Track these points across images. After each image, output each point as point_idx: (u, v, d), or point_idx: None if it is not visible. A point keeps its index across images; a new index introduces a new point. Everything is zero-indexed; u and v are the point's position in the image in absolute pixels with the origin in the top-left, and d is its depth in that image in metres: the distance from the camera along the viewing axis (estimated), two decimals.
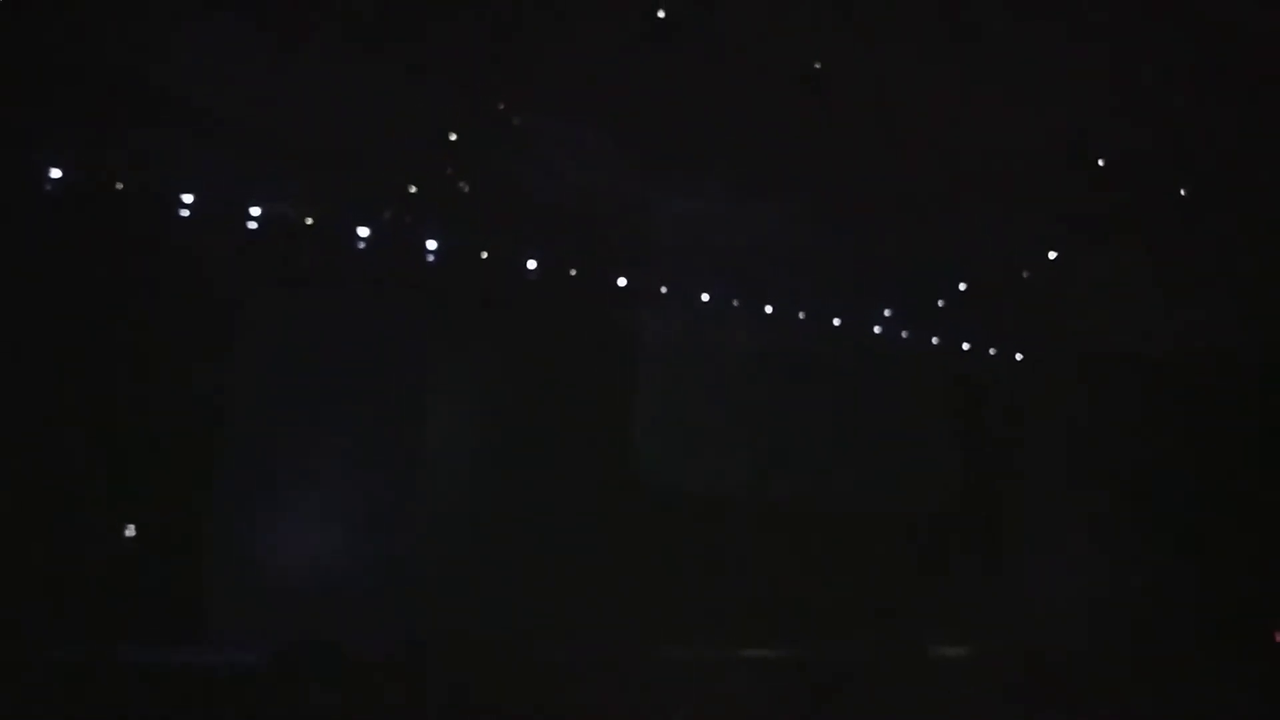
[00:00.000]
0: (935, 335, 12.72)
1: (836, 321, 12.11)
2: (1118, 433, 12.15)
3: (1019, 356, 13.21)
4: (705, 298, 11.38)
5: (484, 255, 10.44)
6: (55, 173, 8.64)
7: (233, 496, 9.35)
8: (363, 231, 9.86)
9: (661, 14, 8.13)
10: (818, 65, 8.83)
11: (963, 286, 11.93)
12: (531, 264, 10.58)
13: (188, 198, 9.18)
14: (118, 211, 8.96)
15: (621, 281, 10.98)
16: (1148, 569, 11.74)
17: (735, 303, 11.52)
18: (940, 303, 12.16)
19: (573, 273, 10.78)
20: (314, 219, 9.66)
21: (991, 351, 13.09)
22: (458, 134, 9.27)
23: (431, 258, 10.20)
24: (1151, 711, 9.24)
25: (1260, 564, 11.47)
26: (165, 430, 9.03)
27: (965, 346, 12.94)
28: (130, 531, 8.84)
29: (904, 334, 12.48)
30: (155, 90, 8.36)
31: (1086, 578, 11.67)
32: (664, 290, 11.20)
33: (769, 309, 11.72)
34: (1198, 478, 12.00)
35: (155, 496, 8.94)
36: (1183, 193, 10.35)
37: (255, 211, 9.43)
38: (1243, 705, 9.10)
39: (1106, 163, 10.11)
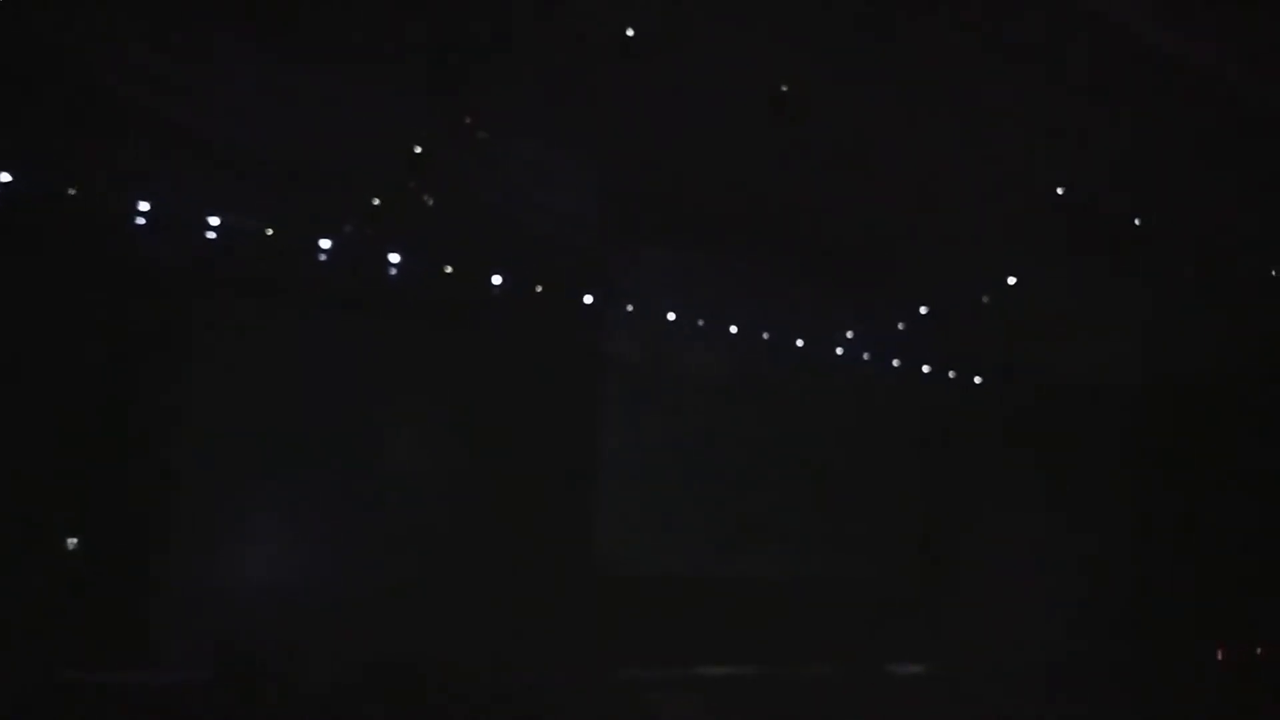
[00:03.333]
0: (896, 358, 12.82)
1: (799, 343, 12.16)
2: (1074, 455, 12.31)
3: (977, 380, 13.35)
4: (671, 316, 11.36)
5: (448, 270, 10.32)
6: (4, 177, 8.39)
7: (183, 511, 9.12)
8: (324, 243, 9.70)
9: (630, 32, 8.13)
10: (784, 88, 8.89)
11: (923, 310, 12.08)
12: (496, 280, 10.49)
13: (144, 205, 8.96)
14: (70, 219, 8.71)
15: (587, 299, 10.92)
16: (1100, 590, 11.90)
17: (700, 322, 11.52)
18: (901, 325, 12.28)
19: (538, 289, 10.71)
20: (274, 230, 9.48)
21: (951, 374, 13.22)
22: (423, 147, 9.20)
23: (394, 271, 10.07)
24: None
25: (1207, 585, 11.68)
26: (117, 442, 8.81)
27: (925, 369, 13.05)
28: (71, 544, 8.60)
29: (865, 356, 12.56)
30: (110, 96, 8.19)
31: (1039, 597, 11.78)
32: (629, 309, 11.16)
33: (734, 329, 11.74)
34: (1150, 500, 12.20)
35: (102, 509, 8.71)
36: (1137, 222, 10.56)
37: (214, 221, 9.23)
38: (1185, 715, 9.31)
39: (1065, 191, 10.29)
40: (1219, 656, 11.70)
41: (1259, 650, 11.77)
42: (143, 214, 8.97)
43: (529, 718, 8.41)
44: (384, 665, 8.45)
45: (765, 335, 11.97)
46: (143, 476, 8.92)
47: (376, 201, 9.56)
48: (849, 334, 12.43)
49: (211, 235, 9.26)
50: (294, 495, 9.51)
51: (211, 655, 8.13)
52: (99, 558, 8.62)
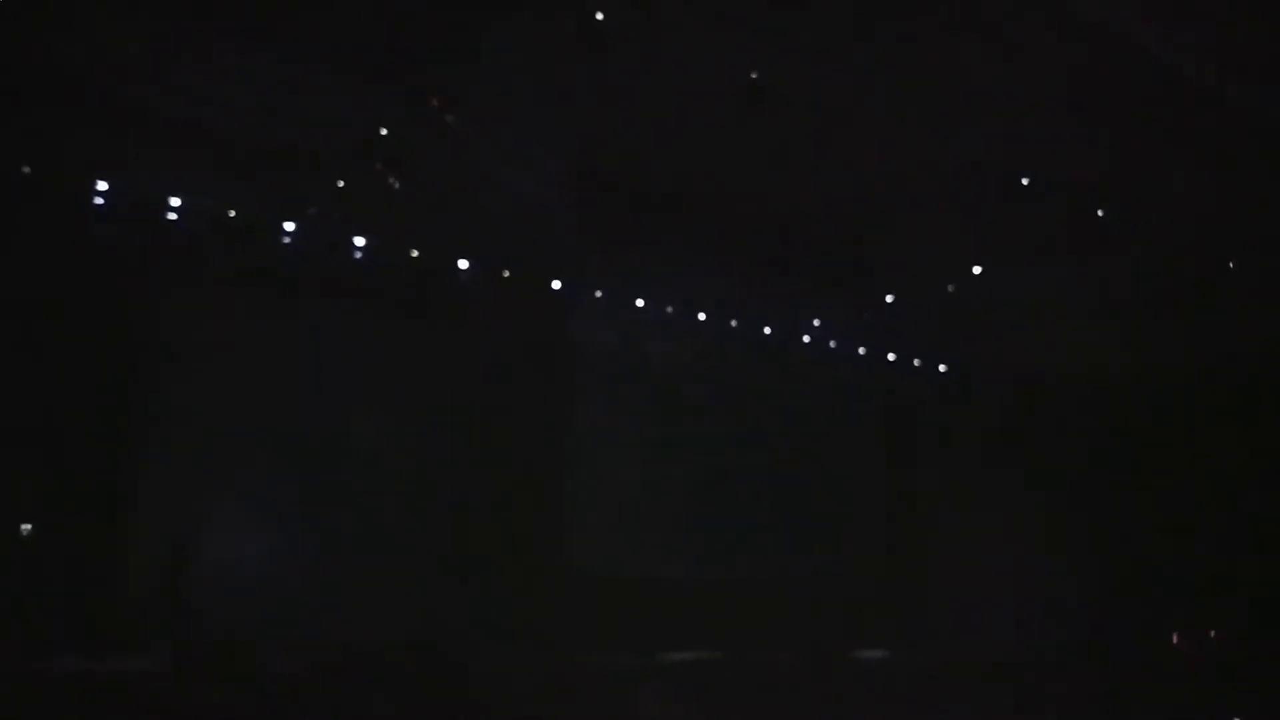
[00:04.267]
0: (862, 346, 12.89)
1: (767, 330, 12.18)
2: (1034, 443, 12.45)
3: (942, 368, 13.45)
4: (640, 303, 11.32)
5: (414, 254, 10.22)
6: None
7: (143, 496, 8.97)
8: (288, 226, 9.56)
9: (600, 15, 8.07)
10: (754, 75, 8.87)
11: (890, 299, 12.14)
12: (463, 264, 10.39)
13: (102, 185, 8.77)
14: (25, 199, 8.49)
15: (555, 284, 10.86)
16: (1059, 576, 12.05)
17: (669, 309, 11.50)
18: (867, 314, 12.34)
19: (505, 274, 10.63)
20: (237, 212, 9.33)
21: (916, 362, 13.31)
22: (388, 129, 9.09)
23: (359, 255, 9.95)
24: (1062, 707, 9.48)
25: (1164, 572, 11.87)
26: (75, 428, 8.62)
27: (891, 357, 13.13)
28: (25, 530, 8.43)
29: (832, 344, 12.61)
30: (69, 74, 8.00)
31: (1001, 584, 11.92)
32: (597, 295, 11.12)
33: (701, 316, 11.73)
34: (1111, 490, 12.36)
35: (59, 496, 8.55)
36: (1100, 213, 10.65)
37: (175, 202, 9.05)
38: (1143, 701, 9.45)
39: (1030, 182, 10.36)
40: (1175, 641, 11.91)
41: (1213, 635, 11.99)
42: (101, 194, 8.78)
43: (499, 700, 8.36)
44: (354, 651, 8.38)
45: (733, 323, 11.99)
46: (102, 462, 8.74)
47: (341, 184, 9.44)
48: (816, 322, 12.47)
49: (172, 217, 9.09)
50: (257, 481, 9.38)
51: (180, 643, 8.03)
52: (62, 545, 8.45)
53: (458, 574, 9.81)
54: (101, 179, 8.76)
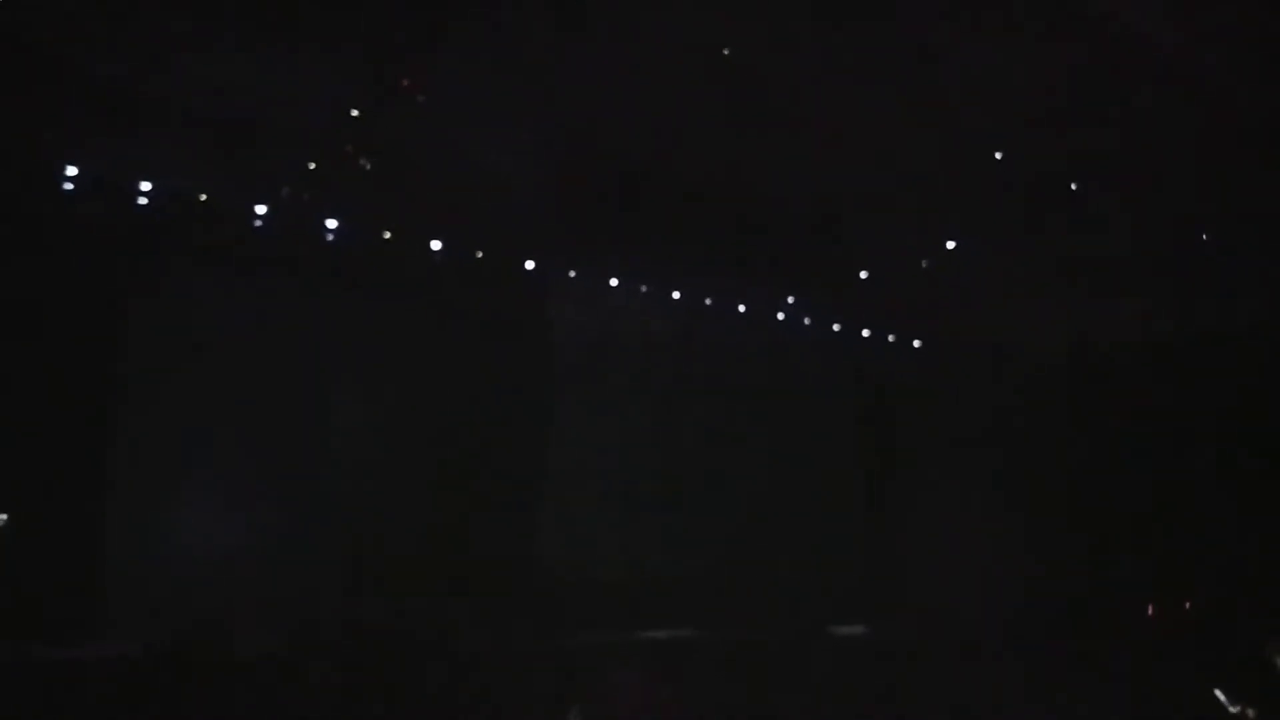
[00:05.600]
0: (837, 322, 12.94)
1: (741, 308, 12.21)
2: (1011, 419, 12.55)
3: (917, 344, 13.52)
4: (613, 283, 11.32)
5: (386, 235, 10.17)
6: None
7: (120, 483, 8.91)
8: (260, 209, 9.48)
9: None
10: (726, 52, 8.86)
11: (864, 275, 12.18)
12: (435, 245, 10.35)
13: (71, 169, 8.67)
14: None
15: (529, 265, 10.84)
16: (1035, 550, 12.17)
17: (644, 288, 11.51)
18: (842, 290, 12.38)
19: (478, 255, 10.60)
20: (208, 194, 9.25)
21: (890, 338, 13.37)
22: (360, 110, 9.02)
23: (331, 237, 9.88)
24: (1039, 678, 9.61)
25: (1139, 545, 12.01)
26: (47, 414, 8.54)
27: (865, 333, 13.19)
28: (2, 519, 8.37)
29: (806, 320, 12.65)
30: (37, 55, 7.90)
31: (978, 558, 12.03)
32: (571, 275, 11.11)
33: (676, 295, 11.74)
34: (1086, 464, 12.48)
35: (35, 483, 8.48)
36: (1073, 186, 10.71)
37: (145, 185, 8.97)
38: (1119, 671, 9.59)
39: (1002, 155, 10.41)
40: (1150, 613, 12.06)
41: (1187, 605, 12.15)
42: (70, 179, 8.69)
43: (477, 679, 8.41)
44: (328, 633, 8.40)
45: (707, 301, 12.00)
46: (75, 447, 8.67)
47: (313, 165, 9.37)
48: (790, 299, 12.50)
49: (143, 200, 9.01)
50: (231, 464, 9.34)
51: (155, 627, 8.01)
52: (37, 531, 8.39)
53: (434, 556, 9.81)
54: (70, 162, 8.65)
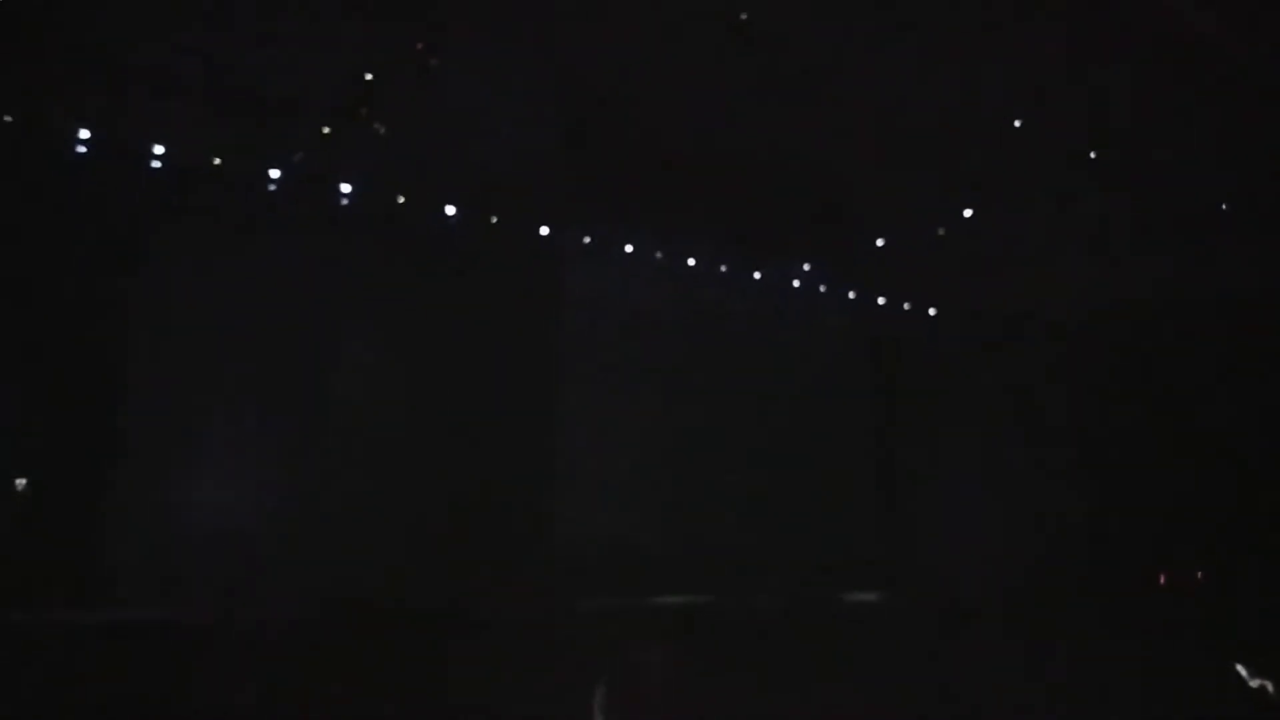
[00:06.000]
0: (851, 290, 12.86)
1: (756, 275, 12.15)
2: (1025, 387, 12.50)
3: (932, 311, 13.44)
4: (628, 249, 11.26)
5: (400, 200, 10.12)
6: None
7: (132, 449, 8.91)
8: (273, 173, 9.43)
9: None
10: (744, 16, 8.75)
11: (880, 242, 12.10)
12: (450, 210, 10.30)
13: (84, 133, 8.61)
14: (6, 147, 8.33)
15: (543, 230, 10.78)
16: (1049, 518, 12.17)
17: (658, 254, 11.44)
18: (858, 257, 12.30)
19: (493, 220, 10.54)
20: (221, 160, 9.20)
21: (906, 306, 13.30)
22: (374, 74, 8.95)
23: (345, 202, 9.84)
24: (1050, 648, 9.64)
25: (1153, 513, 12.00)
26: (59, 380, 8.56)
27: (880, 301, 13.12)
28: (21, 485, 8.41)
29: (821, 288, 12.59)
30: (48, 20, 7.84)
31: (990, 524, 12.04)
32: (586, 240, 11.05)
33: (691, 261, 11.68)
34: (1101, 432, 12.44)
35: (48, 449, 8.51)
36: (1093, 155, 10.60)
37: (158, 150, 8.93)
38: (1132, 640, 9.62)
39: (1022, 123, 10.29)
40: (1162, 581, 12.08)
41: (1199, 575, 12.15)
42: (83, 142, 8.65)
43: (490, 643, 8.44)
44: (340, 598, 8.44)
45: (722, 267, 11.94)
46: (85, 414, 8.69)
47: (327, 130, 9.31)
48: (805, 266, 12.43)
49: (156, 165, 8.97)
50: (244, 430, 9.35)
51: (166, 594, 8.06)
52: (51, 496, 8.43)
53: (445, 522, 9.83)
54: (83, 126, 8.60)
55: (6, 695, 6.91)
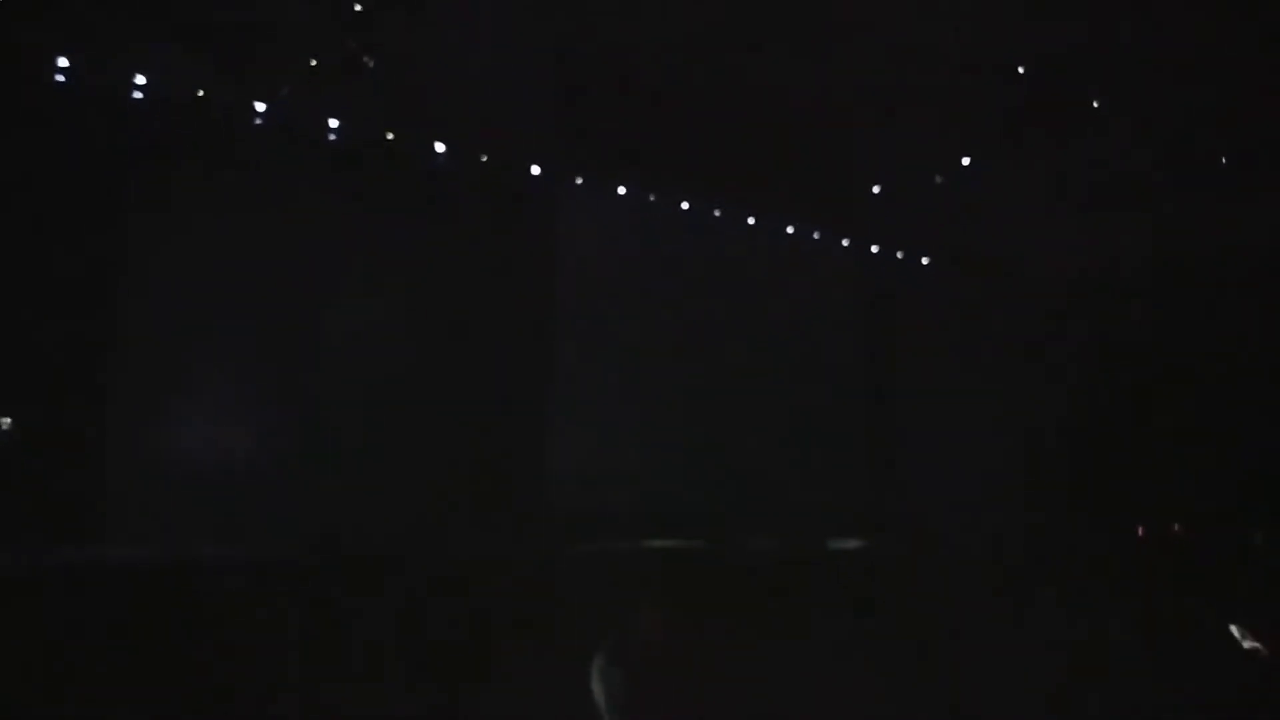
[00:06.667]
0: (845, 237, 12.74)
1: (750, 220, 12.00)
2: (1017, 339, 12.50)
3: (925, 260, 13.36)
4: (621, 191, 11.07)
5: (389, 136, 9.88)
6: None
7: (117, 387, 8.75)
8: (259, 107, 9.17)
9: None
10: None
11: (876, 189, 11.96)
12: (440, 147, 10.07)
13: (63, 62, 8.33)
14: None
15: (534, 170, 10.57)
16: (1033, 472, 12.26)
17: (651, 197, 11.27)
18: (853, 204, 12.17)
19: (484, 159, 10.32)
20: (205, 92, 8.92)
21: (899, 255, 13.20)
22: (362, 4, 8.67)
23: (333, 137, 9.59)
24: (1030, 599, 9.74)
25: (1135, 466, 12.12)
26: (42, 317, 8.35)
27: (874, 249, 13.01)
28: (5, 425, 8.26)
29: (815, 235, 12.46)
30: None
31: (974, 476, 12.11)
32: (579, 181, 10.85)
33: (685, 205, 11.51)
34: (1088, 384, 12.49)
35: (34, 388, 8.35)
36: (1095, 104, 10.47)
37: (140, 81, 8.64)
38: (1110, 590, 9.74)
39: (1025, 70, 10.14)
40: (1140, 534, 12.23)
41: (1176, 528, 12.31)
42: (62, 71, 8.35)
43: (484, 588, 8.43)
44: (336, 544, 8.39)
45: (716, 212, 11.79)
46: (72, 349, 8.51)
47: (315, 63, 9.04)
48: (800, 213, 12.28)
49: (138, 95, 8.68)
50: (233, 372, 9.20)
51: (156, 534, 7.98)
52: (39, 436, 8.29)
53: (437, 465, 9.77)
54: (61, 55, 8.30)
55: None
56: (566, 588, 8.22)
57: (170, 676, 7.09)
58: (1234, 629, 5.98)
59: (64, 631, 7.09)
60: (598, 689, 5.06)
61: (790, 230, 12.31)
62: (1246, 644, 5.90)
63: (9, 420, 8.05)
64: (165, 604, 7.54)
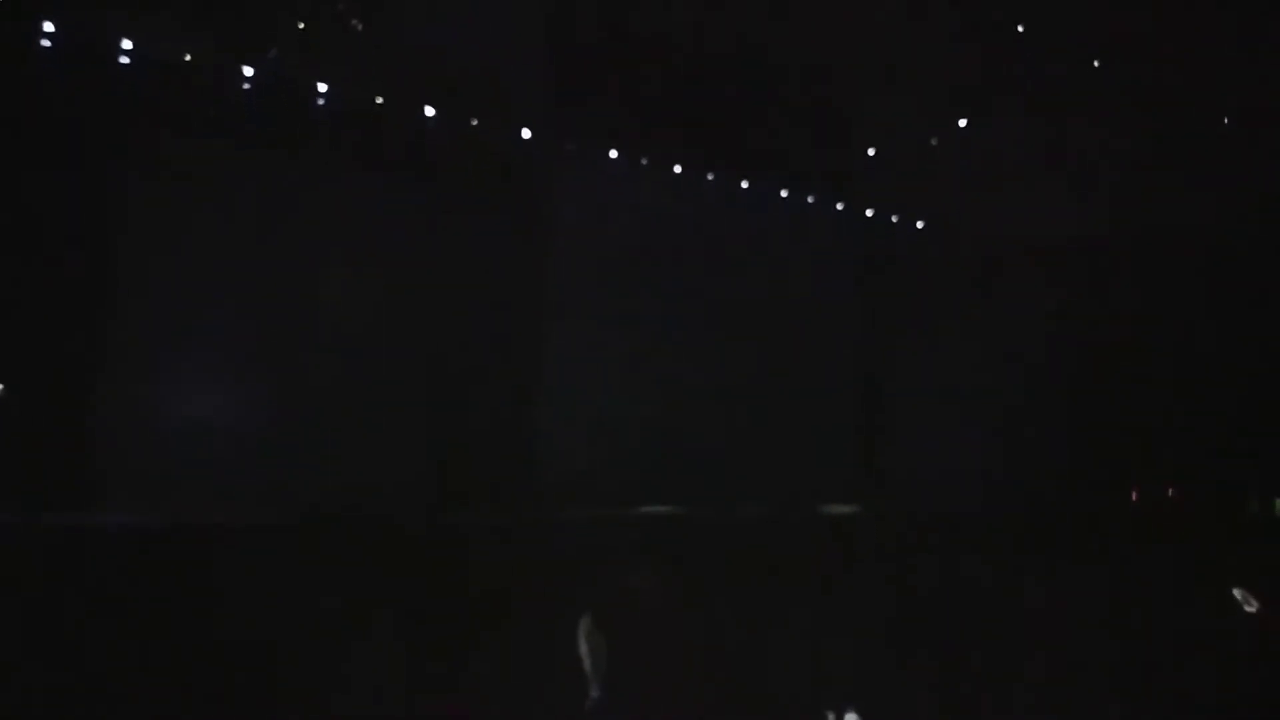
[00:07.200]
0: (840, 201, 12.66)
1: (744, 184, 11.92)
2: (1011, 304, 12.46)
3: (920, 224, 13.27)
4: (612, 154, 10.99)
5: (378, 100, 9.79)
6: None
7: (107, 356, 8.74)
8: (246, 71, 9.09)
9: None
10: None
11: (871, 152, 11.86)
12: (429, 111, 9.98)
13: (48, 26, 8.25)
14: None
15: (525, 134, 10.48)
16: (1028, 437, 12.27)
17: (644, 161, 11.18)
18: (847, 167, 12.08)
19: (474, 123, 10.23)
20: (192, 56, 8.84)
21: (894, 219, 13.11)
22: None
23: (321, 101, 9.51)
24: (1023, 561, 9.76)
25: (1125, 430, 12.14)
26: (30, 283, 8.32)
27: (869, 213, 12.92)
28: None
29: (809, 199, 12.38)
30: None
31: (969, 440, 12.11)
32: (570, 145, 10.76)
33: (677, 169, 11.43)
34: (1082, 350, 12.48)
35: (25, 354, 8.33)
36: (1095, 65, 10.37)
37: (126, 45, 8.57)
38: (1103, 552, 9.77)
39: (1025, 30, 10.03)
40: (1134, 498, 12.26)
41: (1169, 491, 12.35)
42: (48, 36, 8.27)
43: (472, 552, 8.45)
44: (320, 509, 8.40)
45: (709, 176, 11.70)
46: (66, 320, 8.48)
47: (302, 25, 8.95)
48: (794, 176, 12.18)
49: (124, 60, 8.60)
50: (221, 337, 9.18)
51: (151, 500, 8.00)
52: (31, 402, 8.29)
53: (427, 433, 9.77)
54: (48, 19, 8.22)
55: None
56: (556, 553, 8.23)
57: (162, 644, 7.14)
58: (1236, 593, 5.98)
59: (58, 595, 7.13)
60: (584, 651, 5.09)
61: (784, 194, 12.20)
62: (1249, 608, 5.91)
63: (1, 386, 8.04)
64: (158, 568, 7.58)
